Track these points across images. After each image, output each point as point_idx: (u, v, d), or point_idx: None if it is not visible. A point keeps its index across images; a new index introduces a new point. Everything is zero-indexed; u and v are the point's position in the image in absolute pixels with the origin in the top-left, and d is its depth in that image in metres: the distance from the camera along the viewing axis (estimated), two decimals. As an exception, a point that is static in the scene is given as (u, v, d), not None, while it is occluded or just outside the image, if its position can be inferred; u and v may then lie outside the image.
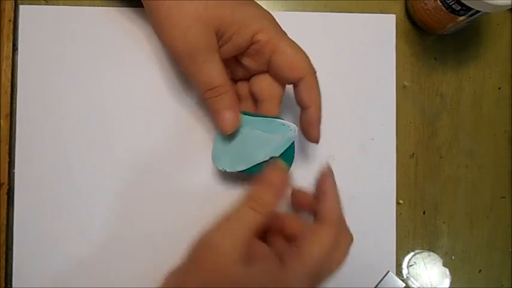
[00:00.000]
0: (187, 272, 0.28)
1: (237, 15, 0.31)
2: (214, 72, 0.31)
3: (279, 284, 0.28)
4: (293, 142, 0.34)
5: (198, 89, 0.33)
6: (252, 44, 0.32)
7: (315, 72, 0.33)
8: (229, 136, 0.34)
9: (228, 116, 0.32)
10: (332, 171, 0.33)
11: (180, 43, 0.31)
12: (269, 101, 0.34)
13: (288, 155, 0.34)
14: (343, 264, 0.31)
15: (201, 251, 0.29)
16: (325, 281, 0.30)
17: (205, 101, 0.33)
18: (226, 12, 0.30)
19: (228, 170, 0.34)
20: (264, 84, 0.34)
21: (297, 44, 0.32)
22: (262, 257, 0.30)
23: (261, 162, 0.33)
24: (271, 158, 0.33)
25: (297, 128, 0.34)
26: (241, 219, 0.29)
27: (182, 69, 0.32)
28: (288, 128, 0.33)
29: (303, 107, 0.33)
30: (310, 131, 0.33)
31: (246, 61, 0.33)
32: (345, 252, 0.31)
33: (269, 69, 0.33)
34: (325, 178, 0.32)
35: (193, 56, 0.31)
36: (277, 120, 0.34)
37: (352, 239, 0.32)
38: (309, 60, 0.32)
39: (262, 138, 0.33)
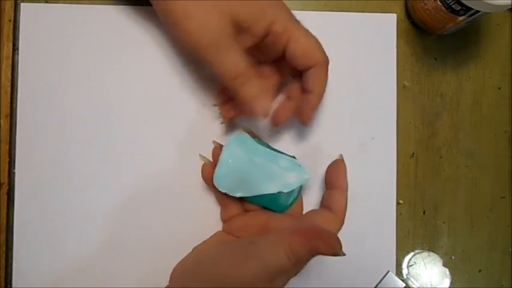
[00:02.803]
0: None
1: (250, 4, 0.31)
2: (238, 59, 0.31)
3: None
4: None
5: (223, 79, 0.32)
6: (268, 33, 0.32)
7: (327, 62, 0.34)
8: (238, 161, 0.34)
9: (260, 103, 0.32)
10: (344, 163, 0.35)
11: (201, 35, 0.30)
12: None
13: (294, 192, 0.35)
14: None
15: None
16: None
17: (233, 91, 0.32)
18: (240, 3, 0.31)
19: (228, 193, 0.34)
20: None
21: (310, 33, 0.33)
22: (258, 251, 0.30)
23: (264, 196, 0.34)
24: (278, 193, 0.34)
25: (306, 175, 0.35)
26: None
27: (203, 61, 0.32)
28: (303, 170, 0.35)
29: (306, 91, 0.34)
30: (304, 113, 0.35)
31: (264, 49, 0.33)
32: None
33: (285, 56, 0.33)
34: (342, 170, 0.35)
35: (216, 47, 0.30)
36: (295, 160, 0.35)
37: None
38: (322, 49, 0.33)
39: (276, 172, 0.34)
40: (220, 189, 0.34)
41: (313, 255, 0.28)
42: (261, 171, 0.34)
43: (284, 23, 0.32)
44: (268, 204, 0.35)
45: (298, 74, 0.34)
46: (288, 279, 0.30)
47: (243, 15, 0.31)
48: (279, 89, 0.38)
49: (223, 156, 0.34)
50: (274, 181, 0.34)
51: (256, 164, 0.34)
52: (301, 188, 0.35)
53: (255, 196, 0.34)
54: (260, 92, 0.32)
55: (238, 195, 0.34)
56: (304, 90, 0.34)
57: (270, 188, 0.34)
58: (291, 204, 0.35)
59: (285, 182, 0.34)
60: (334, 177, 0.35)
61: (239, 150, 0.34)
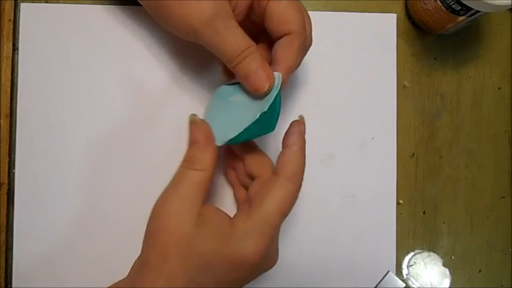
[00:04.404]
0: (149, 252, 0.30)
1: None
2: (239, 35, 0.30)
3: (226, 239, 0.29)
4: (279, 91, 0.31)
5: (225, 58, 0.31)
6: None
7: (304, 36, 0.31)
8: (219, 110, 0.33)
9: (261, 74, 0.30)
10: (303, 125, 0.31)
11: (197, 17, 0.29)
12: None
13: (274, 105, 0.31)
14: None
15: (155, 222, 0.30)
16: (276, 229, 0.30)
17: (234, 69, 0.31)
18: None
19: (219, 144, 0.32)
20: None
21: (297, 1, 0.31)
22: (212, 219, 0.30)
23: (250, 126, 0.31)
24: (260, 115, 0.31)
25: (280, 74, 0.31)
26: (183, 181, 0.30)
27: (203, 44, 0.31)
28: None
29: (273, 62, 0.31)
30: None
31: (252, 19, 0.33)
32: (293, 203, 0.30)
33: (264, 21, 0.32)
34: (293, 131, 0.31)
35: (214, 26, 0.29)
36: None
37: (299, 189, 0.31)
38: (302, 21, 0.31)
39: (249, 101, 0.32)
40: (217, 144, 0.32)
41: (209, 149, 0.31)
42: (238, 108, 0.33)
43: None
44: (258, 131, 0.32)
45: None
46: None
47: None
48: None
49: (206, 111, 0.34)
50: (251, 108, 0.32)
51: (232, 103, 0.33)
52: (279, 93, 0.31)
53: (242, 133, 0.31)
54: (261, 64, 0.30)
55: (230, 138, 0.32)
56: (272, 62, 0.31)
57: (250, 117, 0.31)
58: (278, 116, 0.31)
59: (260, 102, 0.31)
60: (284, 137, 0.31)
61: (216, 100, 0.34)
